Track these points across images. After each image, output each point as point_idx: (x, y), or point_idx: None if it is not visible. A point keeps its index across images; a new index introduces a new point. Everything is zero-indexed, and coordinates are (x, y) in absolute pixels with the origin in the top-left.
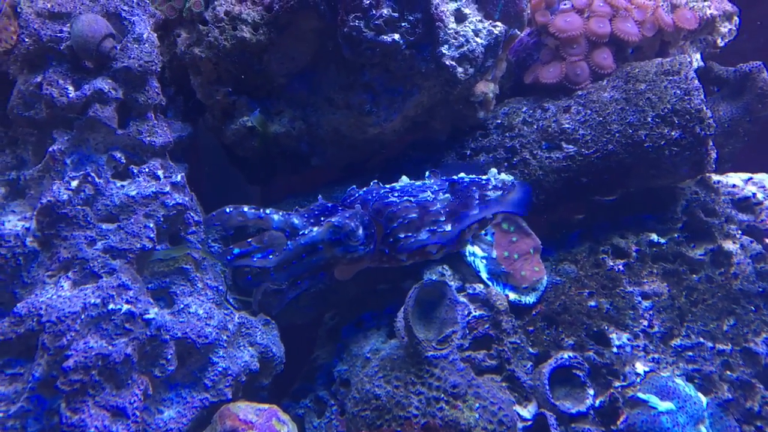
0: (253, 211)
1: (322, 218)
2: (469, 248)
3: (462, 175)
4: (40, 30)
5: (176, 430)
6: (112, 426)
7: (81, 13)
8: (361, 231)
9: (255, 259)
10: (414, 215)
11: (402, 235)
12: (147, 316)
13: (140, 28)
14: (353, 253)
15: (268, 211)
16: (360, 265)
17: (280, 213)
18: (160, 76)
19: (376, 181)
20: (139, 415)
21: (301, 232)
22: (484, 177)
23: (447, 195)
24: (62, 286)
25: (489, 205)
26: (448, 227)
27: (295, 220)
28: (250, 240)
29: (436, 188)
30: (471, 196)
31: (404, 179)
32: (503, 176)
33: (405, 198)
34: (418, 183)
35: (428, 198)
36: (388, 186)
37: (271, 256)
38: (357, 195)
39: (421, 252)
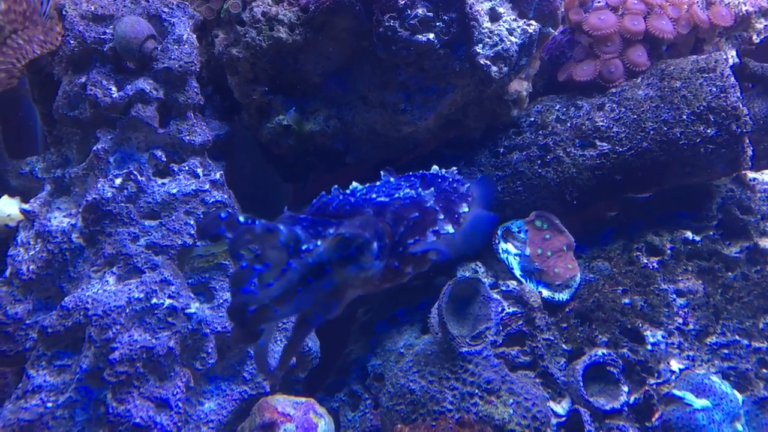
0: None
1: (320, 229)
2: (502, 245)
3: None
4: (84, 32)
5: (216, 422)
6: (156, 416)
7: (123, 15)
8: (375, 243)
9: (254, 287)
10: (416, 215)
11: (410, 241)
12: (188, 311)
13: (180, 30)
14: (367, 270)
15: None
16: (364, 289)
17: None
18: (198, 75)
19: (336, 187)
20: (181, 406)
21: (304, 247)
22: (430, 172)
23: (431, 189)
24: (107, 281)
25: (467, 199)
26: (450, 227)
27: (299, 231)
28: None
29: (409, 185)
30: (446, 189)
31: (355, 184)
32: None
33: (395, 197)
34: (378, 183)
35: (413, 195)
36: (359, 187)
37: (272, 282)
38: (338, 200)
39: (423, 258)
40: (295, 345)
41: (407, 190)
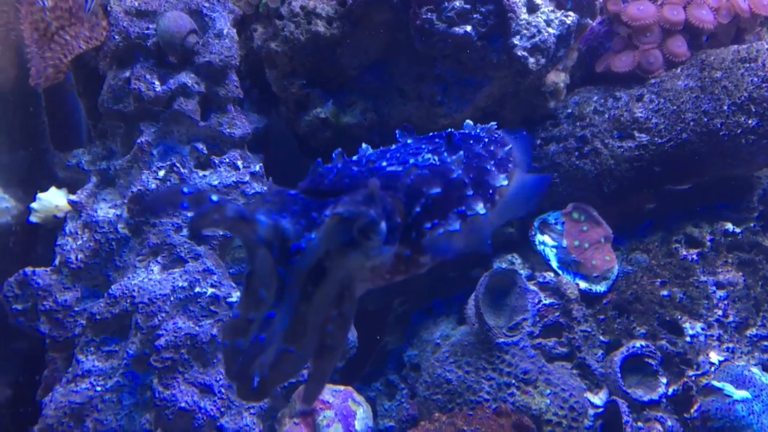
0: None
1: (314, 215)
2: (539, 237)
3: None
4: (128, 27)
5: (258, 408)
6: (200, 401)
7: (166, 11)
8: (383, 224)
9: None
10: (438, 190)
11: (428, 225)
12: (230, 300)
13: (220, 24)
14: (374, 258)
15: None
16: (373, 282)
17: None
18: (237, 69)
19: (338, 150)
20: (224, 392)
21: (294, 245)
22: (461, 131)
23: (459, 154)
24: (152, 270)
25: (507, 167)
26: (480, 206)
27: (286, 225)
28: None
29: (432, 147)
30: (479, 153)
31: (365, 146)
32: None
33: (410, 165)
34: (393, 147)
35: (435, 162)
36: (369, 152)
37: (274, 313)
38: (336, 170)
39: None
40: (322, 379)
41: (427, 156)
